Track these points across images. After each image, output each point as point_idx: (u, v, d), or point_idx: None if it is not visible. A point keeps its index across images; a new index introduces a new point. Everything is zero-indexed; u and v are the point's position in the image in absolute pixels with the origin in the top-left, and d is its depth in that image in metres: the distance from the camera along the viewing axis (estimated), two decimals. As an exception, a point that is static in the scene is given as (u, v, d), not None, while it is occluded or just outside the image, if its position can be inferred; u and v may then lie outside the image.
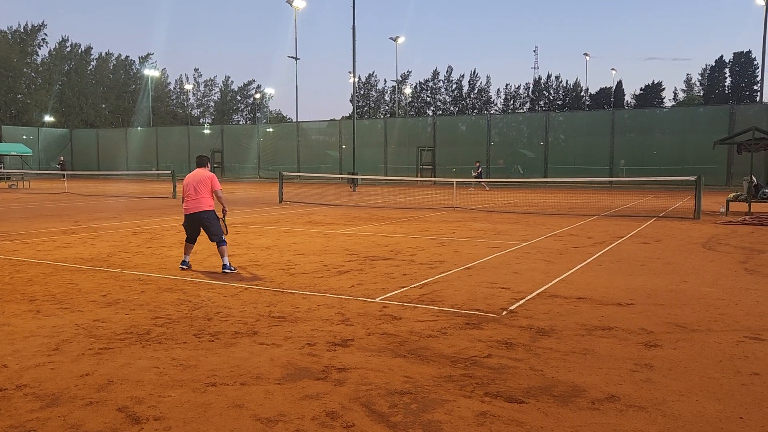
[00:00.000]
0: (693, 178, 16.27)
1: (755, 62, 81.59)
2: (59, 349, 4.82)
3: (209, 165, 8.81)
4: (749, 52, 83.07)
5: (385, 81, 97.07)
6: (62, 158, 43.41)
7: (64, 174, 34.87)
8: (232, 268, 8.08)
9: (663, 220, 15.22)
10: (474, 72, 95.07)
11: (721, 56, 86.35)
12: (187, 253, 8.41)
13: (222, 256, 8.13)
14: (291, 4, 47.49)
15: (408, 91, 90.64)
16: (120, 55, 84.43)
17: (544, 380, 4.16)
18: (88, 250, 9.99)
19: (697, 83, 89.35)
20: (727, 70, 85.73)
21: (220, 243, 8.19)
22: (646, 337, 5.17)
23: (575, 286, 7.19)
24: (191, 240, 8.41)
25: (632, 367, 4.42)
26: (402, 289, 7.02)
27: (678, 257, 9.35)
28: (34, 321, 5.67)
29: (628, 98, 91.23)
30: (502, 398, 3.84)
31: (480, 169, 30.79)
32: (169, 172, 28.04)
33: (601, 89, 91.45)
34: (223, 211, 8.63)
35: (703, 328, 5.43)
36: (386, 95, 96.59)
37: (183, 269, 8.20)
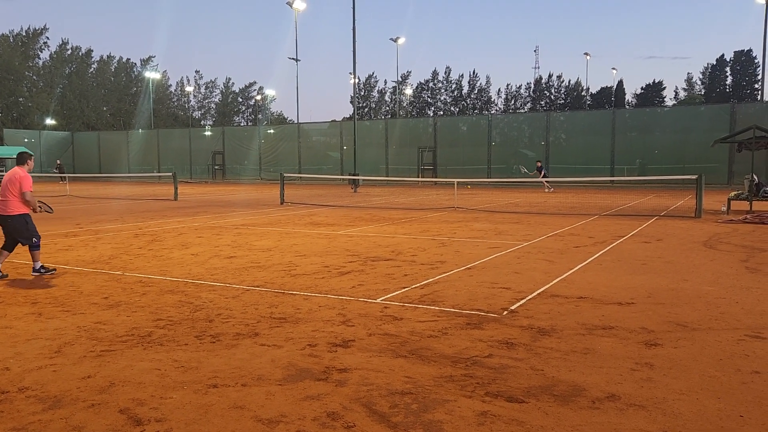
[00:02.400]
0: (694, 176, 16.26)
1: (756, 61, 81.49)
2: (61, 352, 4.84)
3: (30, 163, 7.97)
4: (750, 50, 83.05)
5: (386, 82, 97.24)
6: (59, 162, 43.42)
7: (63, 177, 34.90)
8: (49, 269, 7.99)
9: (664, 219, 15.21)
10: (474, 72, 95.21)
11: (722, 55, 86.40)
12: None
13: (34, 260, 7.89)
14: (291, 6, 47.55)
15: (409, 91, 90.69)
16: (121, 57, 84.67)
17: (544, 380, 4.16)
18: (90, 253, 10.01)
19: (698, 82, 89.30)
20: (728, 68, 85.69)
21: (32, 247, 7.89)
22: (647, 336, 5.18)
23: (576, 286, 7.19)
24: (7, 246, 7.88)
25: (633, 366, 4.43)
26: (403, 290, 7.03)
27: (679, 256, 9.35)
28: (36, 324, 5.69)
29: (629, 97, 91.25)
30: (503, 398, 3.85)
31: (543, 171, 29.33)
32: (170, 174, 28.06)
33: (602, 88, 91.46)
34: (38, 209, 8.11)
35: (704, 327, 5.44)
36: (387, 96, 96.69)
37: None
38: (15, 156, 29.77)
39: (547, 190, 28.90)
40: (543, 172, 28.99)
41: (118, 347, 4.95)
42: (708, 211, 16.43)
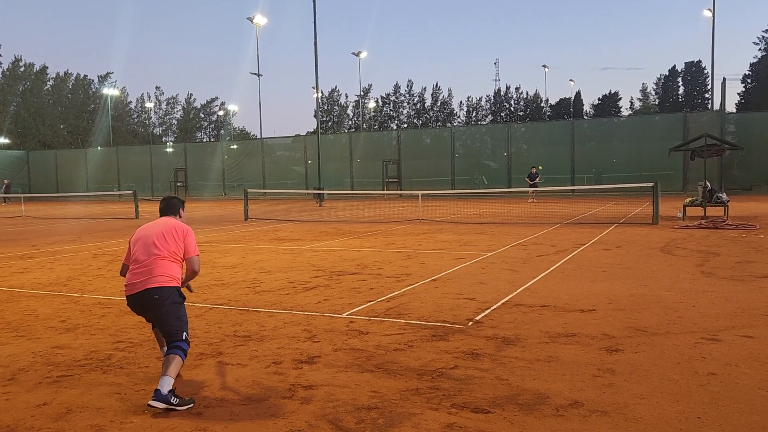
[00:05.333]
0: (650, 184, 16.75)
1: (705, 71, 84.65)
2: (15, 379, 4.66)
3: (182, 212, 5.06)
4: (700, 61, 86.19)
5: (347, 96, 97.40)
6: (6, 181, 41.93)
7: (7, 198, 33.70)
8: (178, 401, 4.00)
9: (623, 226, 15.58)
10: (436, 85, 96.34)
11: (674, 66, 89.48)
12: (163, 344, 4.65)
13: (166, 370, 4.10)
14: (252, 21, 47.40)
15: (371, 105, 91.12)
16: (79, 74, 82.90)
17: (509, 389, 4.20)
18: (47, 275, 9.71)
19: (652, 92, 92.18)
20: (679, 79, 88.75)
21: (176, 349, 4.25)
22: (608, 342, 5.28)
23: (539, 294, 7.30)
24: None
25: (595, 372, 4.50)
26: (369, 304, 7.01)
27: (638, 262, 9.58)
28: (-11, 350, 5.47)
29: (586, 108, 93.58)
30: (469, 409, 3.87)
31: (538, 177, 28.60)
32: (131, 192, 27.50)
33: (561, 100, 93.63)
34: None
35: (663, 332, 5.57)
36: (349, 110, 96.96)
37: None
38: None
39: (530, 200, 28.36)
40: (535, 180, 28.19)
41: (76, 372, 4.80)
42: (665, 217, 16.90)
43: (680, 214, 16.89)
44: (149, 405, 3.90)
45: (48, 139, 74.29)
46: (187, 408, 3.95)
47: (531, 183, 28.40)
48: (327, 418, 3.78)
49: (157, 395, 3.91)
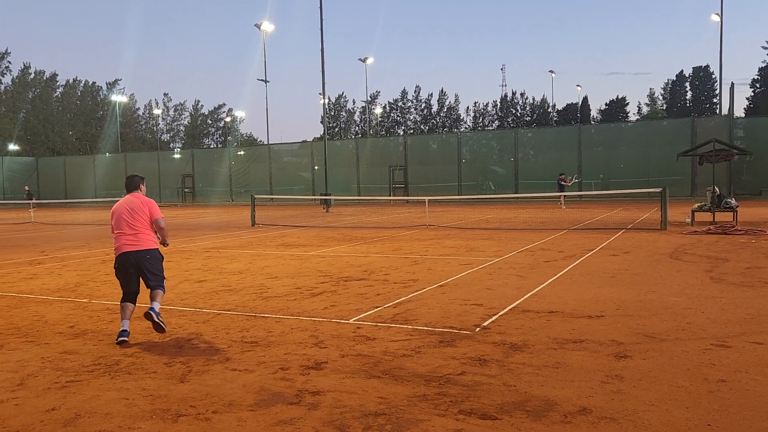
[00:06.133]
0: (659, 189, 16.68)
1: (714, 76, 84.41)
2: (23, 384, 4.69)
3: (142, 187, 6.42)
4: (707, 66, 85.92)
5: (354, 101, 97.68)
6: (27, 188, 42.49)
7: (34, 204, 34.08)
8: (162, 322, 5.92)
9: (631, 231, 15.51)
10: (443, 91, 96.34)
11: (681, 71, 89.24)
12: (126, 317, 5.92)
13: (155, 300, 6.02)
14: (259, 28, 47.66)
15: (378, 111, 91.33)
16: (87, 81, 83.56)
17: (517, 395, 4.18)
18: (55, 281, 9.77)
19: (660, 97, 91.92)
20: (687, 84, 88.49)
21: (160, 287, 6.15)
22: (617, 348, 5.25)
23: (547, 300, 7.27)
24: (131, 297, 6.06)
25: (603, 378, 4.48)
26: (376, 309, 7.01)
27: (646, 268, 9.53)
28: (-2, 356, 5.50)
29: (594, 113, 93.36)
30: (476, 415, 3.85)
31: (568, 181, 27.39)
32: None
33: (568, 105, 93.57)
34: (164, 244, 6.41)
35: (672, 338, 5.53)
36: (356, 116, 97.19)
37: (124, 341, 5.73)
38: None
39: (562, 207, 26.92)
40: (566, 182, 27.08)
41: (85, 377, 4.82)
42: (673, 222, 16.82)
43: (689, 220, 16.80)
44: (148, 313, 5.84)
45: (57, 146, 74.87)
46: (161, 325, 5.90)
47: (561, 189, 27.10)
48: (334, 424, 3.77)
49: (154, 312, 5.88)
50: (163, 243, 6.35)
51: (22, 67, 76.21)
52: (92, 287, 9.06)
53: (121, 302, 6.02)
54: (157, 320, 5.85)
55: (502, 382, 4.44)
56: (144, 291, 6.16)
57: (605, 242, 13.16)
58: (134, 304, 6.05)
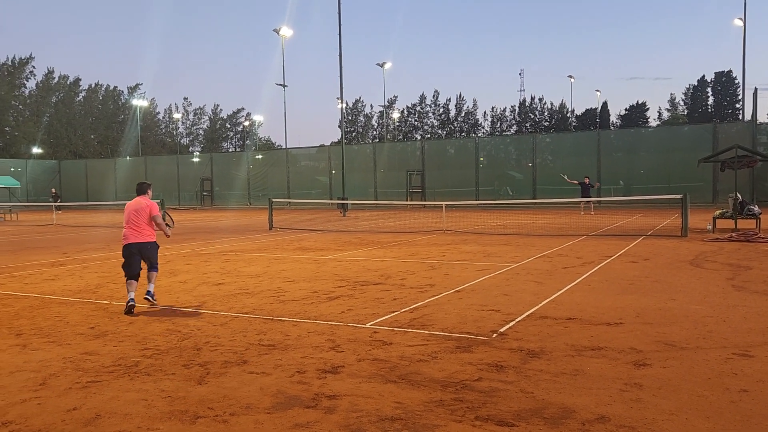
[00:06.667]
0: (679, 196, 16.47)
1: (736, 81, 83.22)
2: (46, 384, 4.76)
3: (149, 191, 8.34)
4: (730, 71, 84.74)
5: (371, 106, 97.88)
6: (54, 190, 43.27)
7: (59, 207, 34.76)
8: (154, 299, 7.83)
9: (651, 238, 15.34)
10: (460, 95, 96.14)
11: (703, 76, 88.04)
12: (132, 290, 7.57)
13: (150, 281, 7.96)
14: (278, 33, 48.03)
15: (396, 115, 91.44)
16: (109, 85, 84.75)
17: (534, 402, 4.15)
18: (77, 282, 9.91)
19: (681, 102, 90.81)
20: (709, 89, 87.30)
21: (155, 270, 8.11)
22: (636, 356, 5.19)
23: (565, 307, 7.21)
24: (135, 277, 7.71)
25: (622, 387, 4.43)
26: (392, 314, 7.01)
27: (666, 275, 9.42)
28: (21, 356, 5.60)
29: (613, 118, 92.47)
30: (493, 422, 3.83)
31: (592, 185, 26.52)
32: (158, 201, 27.94)
33: (587, 110, 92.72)
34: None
35: (692, 346, 5.46)
36: (374, 120, 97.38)
37: (132, 307, 7.38)
38: (5, 185, 29.20)
39: (582, 212, 26.38)
40: (588, 190, 26.32)
41: (105, 378, 4.88)
42: (694, 229, 16.60)
43: (710, 227, 16.57)
44: (147, 296, 7.79)
45: (79, 149, 75.99)
46: (154, 303, 7.81)
47: (586, 194, 26.44)
48: (351, 428, 3.78)
49: (150, 294, 7.83)
50: (165, 234, 8.32)
51: (46, 71, 77.59)
52: (112, 289, 9.18)
53: (127, 281, 7.69)
54: (153, 300, 7.84)
55: (519, 389, 4.42)
56: (143, 283, 7.70)
57: (624, 249, 13.02)
58: (137, 281, 7.76)
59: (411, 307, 7.40)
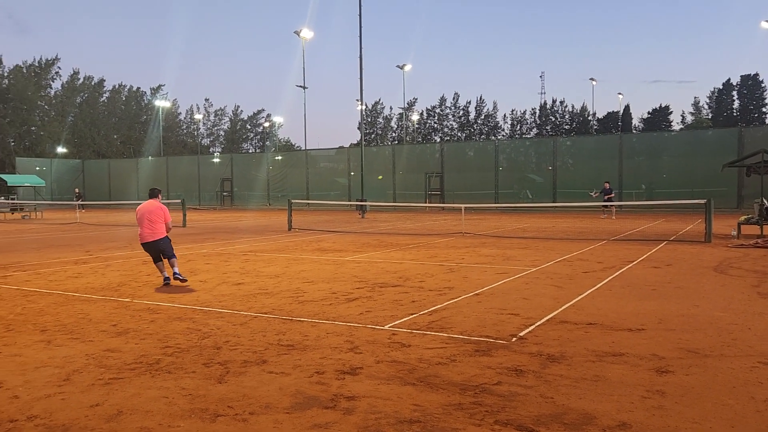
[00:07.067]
0: (703, 201, 16.22)
1: (763, 85, 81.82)
2: (70, 380, 4.84)
3: (160, 196, 10.10)
4: (756, 74, 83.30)
5: (391, 108, 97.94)
6: (77, 190, 44.08)
7: (82, 206, 35.32)
8: (184, 278, 9.46)
9: (673, 243, 15.13)
10: (480, 98, 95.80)
11: (728, 79, 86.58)
12: (163, 269, 9.58)
13: (174, 267, 9.55)
14: (299, 35, 48.30)
15: (415, 117, 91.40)
16: (132, 86, 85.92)
17: (554, 408, 4.12)
18: (99, 280, 10.06)
19: (705, 106, 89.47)
20: (734, 92, 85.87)
21: (174, 257, 9.69)
22: (658, 362, 5.12)
23: (585, 312, 7.14)
24: (159, 260, 9.68)
25: (644, 393, 4.38)
26: (411, 316, 7.00)
27: (689, 281, 9.28)
28: (45, 351, 5.70)
29: (635, 122, 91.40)
30: (512, 426, 3.81)
31: (612, 192, 26.48)
32: (179, 201, 28.25)
33: (609, 113, 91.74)
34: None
35: (716, 354, 5.37)
36: (393, 122, 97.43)
37: (168, 281, 9.44)
38: (30, 184, 29.86)
39: (603, 216, 26.36)
40: (609, 195, 26.19)
41: (127, 375, 4.94)
42: (718, 235, 16.33)
43: (735, 233, 16.28)
44: (176, 277, 9.34)
45: (102, 149, 77.16)
46: (184, 279, 9.43)
47: (606, 198, 26.24)
48: (369, 429, 3.78)
49: (177, 274, 9.37)
50: (168, 231, 9.83)
51: (72, 72, 78.91)
52: (134, 287, 9.30)
53: (155, 263, 9.68)
54: (182, 278, 9.35)
55: (539, 394, 4.38)
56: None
57: (646, 254, 12.86)
58: (162, 262, 9.56)
59: (430, 309, 7.39)
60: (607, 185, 26.83)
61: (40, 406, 4.26)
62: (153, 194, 9.93)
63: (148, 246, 9.55)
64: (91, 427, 3.86)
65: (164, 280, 9.38)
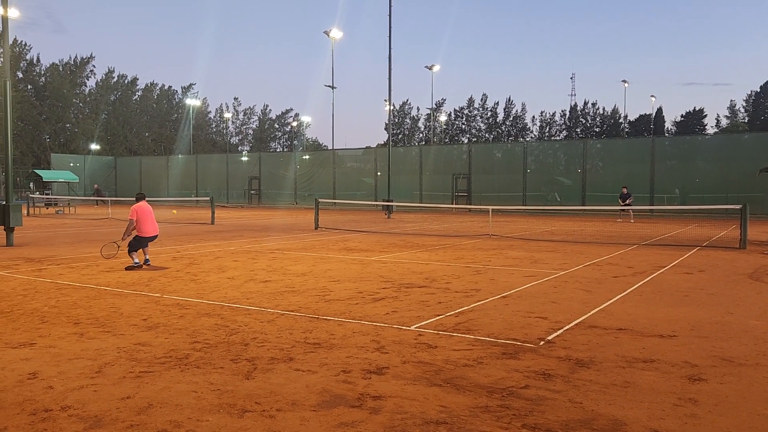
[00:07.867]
0: (738, 206, 15.83)
1: (802, 88, 79.46)
2: (102, 372, 4.93)
3: (146, 200, 11.97)
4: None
5: (418, 109, 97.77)
6: (96, 186, 44.99)
7: (97, 201, 35.99)
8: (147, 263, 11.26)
9: (706, 249, 14.80)
10: (509, 99, 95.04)
11: (766, 82, 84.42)
12: (139, 256, 11.37)
13: (146, 254, 11.44)
14: (328, 35, 48.54)
15: (443, 118, 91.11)
16: (163, 85, 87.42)
17: (583, 413, 4.06)
18: (130, 275, 10.24)
19: (741, 109, 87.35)
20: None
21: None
22: (690, 370, 5.01)
23: (615, 317, 7.03)
24: (145, 249, 11.47)
25: (676, 401, 4.29)
26: (437, 317, 6.98)
27: (723, 288, 9.07)
28: (78, 344, 5.82)
29: (668, 125, 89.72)
30: (541, 430, 3.76)
31: (630, 197, 26.84)
32: (207, 198, 28.64)
33: (641, 116, 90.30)
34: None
35: (751, 363, 5.24)
36: (420, 123, 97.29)
37: (140, 266, 10.98)
38: (65, 180, 30.54)
39: (619, 219, 26.50)
40: (628, 200, 26.53)
41: (157, 369, 5.02)
42: (753, 241, 15.92)
43: (770, 239, 15.86)
44: (146, 262, 11.28)
45: (134, 147, 78.69)
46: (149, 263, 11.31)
47: (623, 203, 26.49)
48: (395, 429, 3.77)
49: (147, 261, 11.28)
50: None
51: (107, 71, 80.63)
52: (164, 282, 9.45)
53: (134, 251, 11.13)
54: (149, 264, 11.25)
55: (567, 398, 4.33)
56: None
57: (678, 259, 12.61)
58: (142, 250, 11.37)
59: (456, 311, 7.35)
60: (624, 190, 27.08)
61: (73, 396, 4.36)
62: (143, 197, 11.92)
63: (150, 239, 11.42)
64: (122, 419, 3.93)
65: (137, 264, 10.93)
